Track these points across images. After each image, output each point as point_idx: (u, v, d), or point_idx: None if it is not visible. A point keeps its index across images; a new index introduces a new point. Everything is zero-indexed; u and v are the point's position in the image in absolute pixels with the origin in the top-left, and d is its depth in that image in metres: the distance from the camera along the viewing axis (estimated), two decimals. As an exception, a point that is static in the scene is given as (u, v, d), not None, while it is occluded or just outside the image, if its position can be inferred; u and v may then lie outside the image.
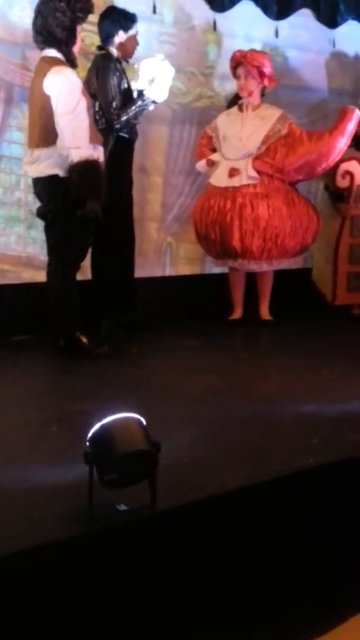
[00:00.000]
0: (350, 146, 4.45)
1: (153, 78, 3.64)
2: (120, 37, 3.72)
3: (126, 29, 3.73)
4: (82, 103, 3.23)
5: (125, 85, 3.72)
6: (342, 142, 4.04)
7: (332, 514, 2.07)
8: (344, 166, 4.20)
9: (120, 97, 3.66)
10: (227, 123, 4.11)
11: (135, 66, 3.69)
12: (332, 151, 4.03)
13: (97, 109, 3.66)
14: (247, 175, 4.03)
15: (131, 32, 3.75)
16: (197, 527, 1.83)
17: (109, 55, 3.72)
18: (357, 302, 4.53)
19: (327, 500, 2.07)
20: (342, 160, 4.18)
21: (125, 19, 3.73)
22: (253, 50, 4.15)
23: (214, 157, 4.12)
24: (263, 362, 3.57)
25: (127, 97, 3.69)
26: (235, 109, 4.16)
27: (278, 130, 4.05)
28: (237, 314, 4.22)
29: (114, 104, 3.63)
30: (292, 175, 4.09)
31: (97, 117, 3.65)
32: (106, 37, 3.75)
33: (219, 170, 4.08)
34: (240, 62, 4.07)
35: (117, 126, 3.64)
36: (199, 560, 1.82)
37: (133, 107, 3.66)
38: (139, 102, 3.67)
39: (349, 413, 2.57)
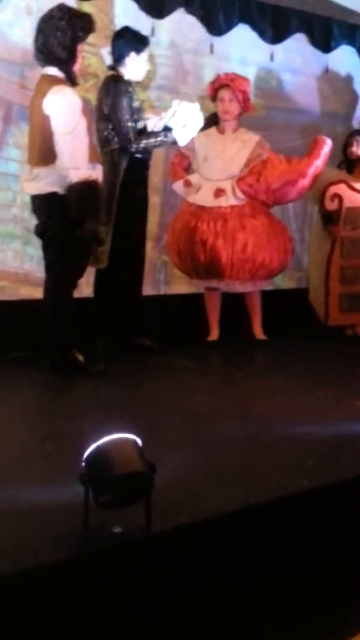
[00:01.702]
0: (340, 168, 4.52)
1: (186, 124, 3.73)
2: (132, 58, 3.75)
3: (138, 50, 3.76)
4: (82, 123, 3.26)
5: (136, 105, 3.77)
6: (319, 164, 4.15)
7: (327, 536, 2.06)
8: (333, 189, 4.25)
9: (131, 119, 3.70)
10: (207, 144, 4.14)
11: (175, 102, 3.77)
12: (308, 171, 4.13)
13: (110, 128, 3.70)
14: (234, 195, 4.08)
15: (143, 54, 3.79)
16: (192, 550, 1.83)
17: (119, 77, 3.75)
18: (349, 322, 4.56)
19: (322, 522, 2.06)
20: (330, 184, 4.23)
21: (138, 41, 3.77)
22: (237, 75, 4.19)
23: (192, 178, 4.15)
24: (258, 382, 3.57)
25: (137, 116, 3.74)
26: (213, 130, 4.18)
27: (259, 155, 4.14)
28: (214, 335, 4.21)
29: (127, 126, 3.66)
30: (273, 197, 4.17)
31: (110, 137, 3.70)
32: (118, 58, 3.77)
33: (203, 191, 4.11)
34: (225, 85, 4.12)
35: (133, 149, 3.69)
36: (194, 583, 1.81)
37: (156, 139, 3.74)
38: (162, 137, 3.73)
39: (343, 434, 2.58)
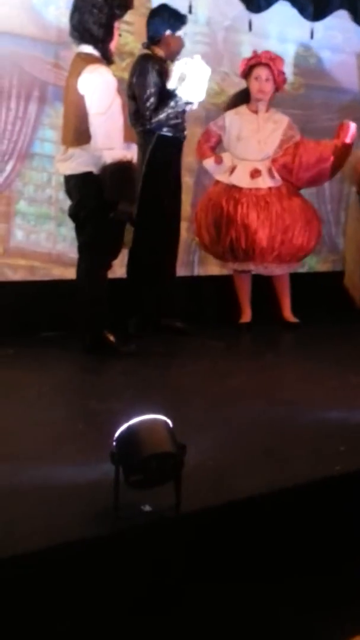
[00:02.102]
0: None
1: (184, 77, 3.60)
2: (167, 36, 3.71)
3: (174, 28, 3.71)
4: (117, 102, 3.23)
5: (167, 86, 3.70)
6: (349, 151, 4.09)
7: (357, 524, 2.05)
8: None
9: (156, 98, 3.63)
10: (239, 123, 4.08)
11: (170, 67, 3.68)
12: (333, 173, 4.12)
13: (133, 110, 3.66)
14: (271, 177, 4.04)
15: (179, 32, 3.73)
16: (221, 531, 1.83)
17: (149, 55, 3.71)
18: None
19: (354, 507, 2.04)
20: None
21: (175, 19, 3.72)
22: (276, 55, 4.12)
23: (224, 156, 4.08)
24: (290, 366, 3.55)
25: (164, 97, 3.67)
26: (244, 108, 4.12)
27: (292, 136, 4.10)
28: (247, 316, 4.18)
29: (148, 104, 3.62)
30: (306, 178, 4.12)
31: (134, 120, 3.66)
32: (153, 35, 3.73)
33: (239, 171, 4.05)
34: (264, 63, 4.05)
35: (150, 127, 3.63)
36: (221, 564, 1.81)
37: (165, 108, 3.65)
38: (171, 103, 3.65)
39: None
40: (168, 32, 3.70)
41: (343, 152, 4.07)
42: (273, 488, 1.94)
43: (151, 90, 3.62)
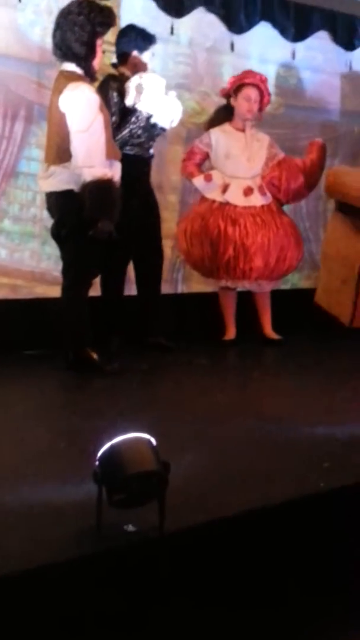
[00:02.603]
0: None
1: (141, 91, 3.56)
2: (134, 56, 3.73)
3: (141, 49, 3.72)
4: (98, 120, 3.23)
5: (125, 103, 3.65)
6: (319, 167, 4.21)
7: (342, 538, 2.04)
8: None
9: (117, 117, 3.59)
10: (227, 140, 4.12)
11: (132, 80, 3.61)
12: (314, 175, 4.21)
13: None
14: (262, 194, 4.10)
15: (146, 52, 3.75)
16: (205, 550, 1.81)
17: (111, 76, 3.70)
18: None
19: (337, 524, 2.04)
20: None
21: (142, 39, 3.74)
22: (265, 77, 4.20)
23: (215, 174, 4.10)
24: (274, 382, 3.55)
25: (126, 115, 3.63)
26: (229, 126, 4.15)
27: (275, 154, 4.18)
28: (231, 334, 4.19)
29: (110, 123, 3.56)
30: (292, 195, 4.23)
31: None
32: (119, 56, 3.76)
33: (233, 189, 4.08)
34: (256, 85, 4.10)
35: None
36: (206, 583, 1.79)
37: (127, 125, 3.61)
38: (132, 119, 3.61)
39: (359, 436, 2.55)
40: (135, 52, 3.71)
41: (314, 169, 4.19)
42: (258, 506, 1.93)
43: (112, 109, 3.58)
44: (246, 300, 4.25)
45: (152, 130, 3.73)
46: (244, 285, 4.17)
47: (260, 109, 4.19)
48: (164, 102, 3.65)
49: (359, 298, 4.28)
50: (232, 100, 4.12)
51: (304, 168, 4.17)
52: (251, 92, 4.09)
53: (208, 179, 4.10)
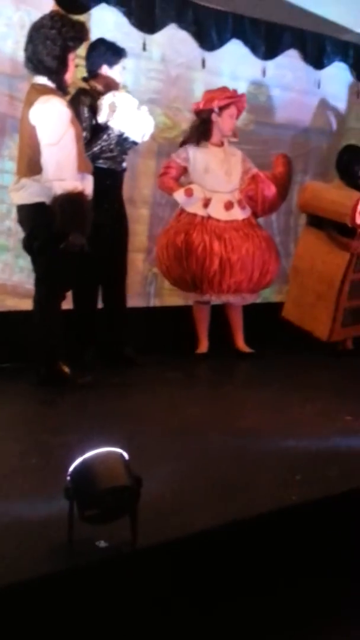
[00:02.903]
0: (350, 185, 4.51)
1: (115, 109, 3.59)
2: (104, 71, 3.74)
3: (111, 63, 3.74)
4: (69, 133, 3.23)
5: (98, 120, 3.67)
6: (287, 179, 4.33)
7: (314, 550, 2.05)
8: None
9: (88, 132, 3.61)
10: (205, 155, 4.16)
11: (98, 102, 3.65)
12: (283, 188, 4.31)
13: None
14: (242, 208, 4.17)
15: (116, 67, 3.76)
16: (177, 564, 1.80)
17: (82, 90, 3.71)
18: (349, 336, 4.54)
19: (309, 537, 2.04)
20: None
21: (112, 54, 3.75)
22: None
23: (195, 188, 4.12)
24: (246, 395, 3.56)
25: (98, 131, 3.65)
26: (204, 142, 4.18)
27: (249, 168, 4.26)
28: (204, 347, 4.21)
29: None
30: (268, 208, 4.32)
31: None
32: (90, 69, 3.77)
33: (215, 203, 4.11)
34: (235, 104, 4.17)
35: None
36: (178, 598, 1.78)
37: (99, 141, 3.63)
38: (104, 136, 3.64)
39: (331, 449, 2.57)
40: (105, 66, 3.73)
41: (283, 181, 4.29)
42: (230, 520, 1.93)
43: (83, 124, 3.59)
44: (217, 314, 4.27)
45: (124, 144, 3.75)
46: (228, 299, 4.20)
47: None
48: (136, 119, 3.68)
49: (338, 313, 4.33)
50: (214, 117, 4.15)
51: (274, 180, 4.26)
52: (234, 111, 4.19)
53: (189, 193, 4.12)
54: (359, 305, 4.38)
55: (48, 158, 3.17)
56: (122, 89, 3.82)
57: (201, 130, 4.17)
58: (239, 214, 4.15)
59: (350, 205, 4.15)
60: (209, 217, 4.10)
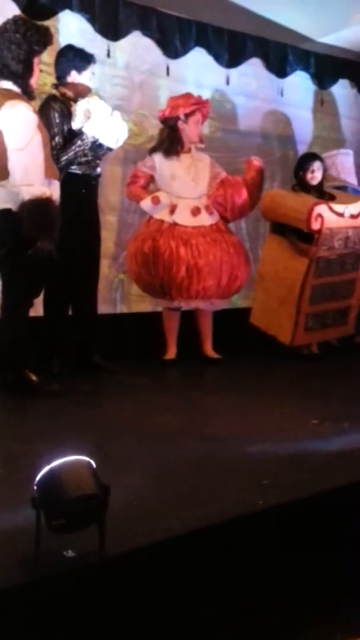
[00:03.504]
0: (295, 190, 4.57)
1: (89, 115, 3.62)
2: (73, 77, 3.74)
3: (79, 69, 3.74)
4: (36, 138, 3.21)
5: (71, 125, 3.68)
6: (259, 183, 4.33)
7: (283, 555, 2.06)
8: (317, 209, 4.29)
9: (60, 137, 3.63)
10: (171, 162, 4.17)
11: (79, 104, 3.66)
12: (254, 193, 4.31)
13: None
14: (209, 214, 4.16)
15: (85, 72, 3.76)
16: (146, 573, 1.80)
17: (52, 96, 3.72)
18: (312, 341, 4.59)
19: (277, 541, 2.06)
20: (316, 204, 4.25)
21: (80, 60, 3.75)
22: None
23: (160, 195, 4.14)
24: (214, 401, 3.57)
25: (72, 137, 3.66)
26: (174, 152, 4.19)
27: (218, 174, 4.27)
28: (172, 353, 4.21)
29: (54, 144, 3.57)
30: (237, 213, 4.31)
31: None
32: (60, 76, 3.77)
33: (181, 210, 4.12)
34: (200, 110, 4.19)
35: (58, 165, 3.55)
36: (147, 607, 1.78)
37: (73, 147, 3.64)
38: (78, 142, 3.65)
39: (299, 453, 2.59)
40: (73, 71, 3.73)
41: (255, 186, 4.30)
42: (198, 527, 1.93)
43: (54, 130, 3.61)
44: (186, 320, 4.28)
45: (98, 150, 3.76)
46: (197, 305, 4.21)
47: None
48: (110, 125, 3.70)
49: (300, 317, 4.38)
50: (180, 124, 4.16)
51: (245, 185, 4.27)
52: (200, 117, 4.20)
53: (155, 201, 4.13)
54: (322, 310, 4.45)
55: (15, 163, 3.15)
56: (93, 95, 3.82)
57: (171, 139, 4.17)
58: (206, 219, 4.16)
59: (306, 211, 4.21)
60: (176, 224, 4.11)
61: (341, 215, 4.35)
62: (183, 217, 4.12)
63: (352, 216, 4.41)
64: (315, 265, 4.35)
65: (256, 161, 4.35)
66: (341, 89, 5.61)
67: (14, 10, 3.77)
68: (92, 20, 4.22)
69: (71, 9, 4.12)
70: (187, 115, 4.16)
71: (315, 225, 4.27)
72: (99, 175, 3.87)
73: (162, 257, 4.07)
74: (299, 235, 4.34)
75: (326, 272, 4.41)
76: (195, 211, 4.14)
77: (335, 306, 4.52)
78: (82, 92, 3.75)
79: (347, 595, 2.08)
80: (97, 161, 3.80)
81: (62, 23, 4.13)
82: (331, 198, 4.48)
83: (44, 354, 3.66)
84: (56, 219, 3.18)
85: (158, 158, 4.18)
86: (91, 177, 3.80)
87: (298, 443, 2.70)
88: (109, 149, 3.81)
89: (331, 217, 4.31)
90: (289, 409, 3.23)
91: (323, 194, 4.53)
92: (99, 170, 3.84)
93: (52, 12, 4.04)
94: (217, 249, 4.13)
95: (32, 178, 3.15)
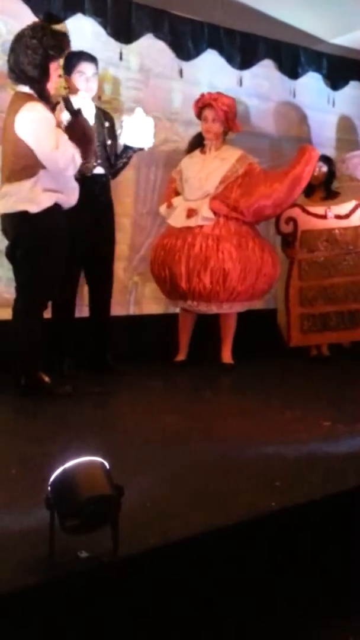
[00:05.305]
0: (314, 192, 4.57)
1: (139, 131, 3.84)
2: (67, 78, 3.75)
3: (69, 70, 3.73)
4: (61, 133, 3.25)
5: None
6: (298, 191, 4.11)
7: (296, 557, 2.06)
8: (287, 213, 4.31)
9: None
10: (189, 165, 4.19)
11: (121, 120, 3.86)
12: (286, 202, 4.11)
13: None
14: (202, 216, 4.05)
15: (75, 73, 3.73)
16: (160, 574, 1.81)
17: (64, 97, 3.77)
18: (311, 343, 4.60)
19: (290, 543, 2.06)
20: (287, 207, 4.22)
21: (68, 60, 3.69)
22: (220, 94, 4.22)
23: (175, 200, 4.17)
24: (225, 403, 3.58)
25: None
26: (197, 151, 4.22)
27: (236, 170, 4.08)
28: (182, 356, 4.20)
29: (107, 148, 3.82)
30: (249, 216, 4.09)
31: None
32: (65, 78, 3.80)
33: (177, 211, 4.13)
34: (208, 104, 4.15)
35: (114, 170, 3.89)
36: (162, 607, 1.79)
37: (124, 159, 3.91)
38: (130, 153, 3.89)
39: (310, 454, 2.59)
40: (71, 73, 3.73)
41: (295, 181, 4.04)
42: (211, 528, 1.94)
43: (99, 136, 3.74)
44: (203, 322, 4.26)
45: (127, 151, 3.93)
46: (176, 304, 4.20)
47: (230, 127, 4.18)
48: (148, 133, 3.88)
49: (291, 319, 4.42)
50: (201, 125, 4.21)
51: (266, 182, 4.04)
52: (208, 113, 4.16)
53: (169, 206, 4.16)
54: (319, 312, 4.46)
55: (54, 162, 3.19)
56: (86, 94, 3.80)
57: (192, 141, 4.24)
58: (197, 220, 4.04)
59: (275, 215, 4.25)
60: (187, 226, 4.08)
61: (322, 217, 4.37)
62: (176, 219, 4.10)
63: (339, 217, 4.43)
64: (298, 268, 4.38)
65: (313, 152, 4.08)
66: (354, 90, 5.59)
67: (31, 16, 3.80)
68: (105, 24, 4.24)
69: (83, 12, 4.14)
70: (199, 117, 4.19)
71: (286, 229, 4.32)
72: (107, 175, 3.92)
73: (160, 258, 4.09)
74: (282, 238, 4.43)
75: (314, 274, 4.42)
76: (190, 213, 4.06)
77: (338, 309, 4.49)
78: (73, 91, 3.76)
79: (360, 597, 2.08)
80: (93, 164, 3.83)
81: (76, 27, 4.15)
82: (334, 197, 4.51)
83: (55, 356, 3.68)
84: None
85: (184, 162, 4.21)
86: (95, 179, 3.83)
87: (310, 445, 2.70)
88: (140, 149, 3.96)
89: (307, 219, 4.32)
90: (300, 411, 3.23)
91: (330, 192, 4.55)
92: (95, 172, 3.86)
93: (64, 17, 4.07)
94: (187, 248, 4.00)
95: (73, 156, 3.23)
